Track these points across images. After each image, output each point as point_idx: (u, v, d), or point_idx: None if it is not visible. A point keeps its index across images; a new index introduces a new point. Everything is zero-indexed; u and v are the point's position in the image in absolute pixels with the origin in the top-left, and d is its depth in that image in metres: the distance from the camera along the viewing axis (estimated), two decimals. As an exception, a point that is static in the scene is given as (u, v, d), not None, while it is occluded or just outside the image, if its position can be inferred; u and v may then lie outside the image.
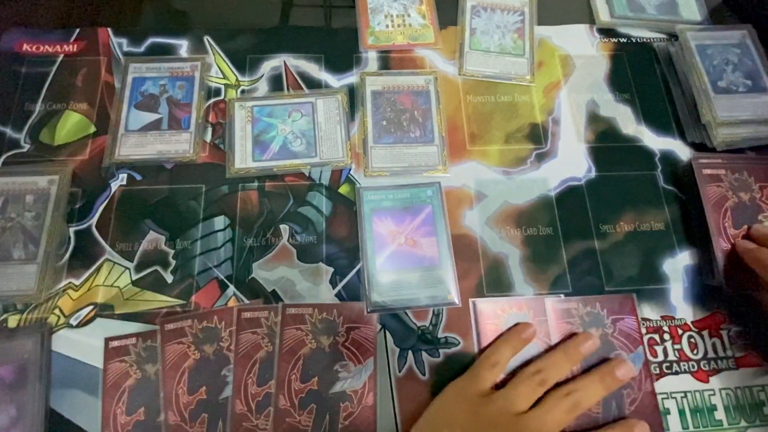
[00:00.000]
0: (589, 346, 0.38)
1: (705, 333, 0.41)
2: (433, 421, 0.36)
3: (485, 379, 0.36)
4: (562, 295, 0.41)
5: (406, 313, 0.41)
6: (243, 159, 0.45)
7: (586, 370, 0.38)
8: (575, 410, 0.34)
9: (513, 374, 0.37)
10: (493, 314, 0.40)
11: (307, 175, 0.45)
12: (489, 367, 0.37)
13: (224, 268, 0.41)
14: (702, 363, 0.40)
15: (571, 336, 0.39)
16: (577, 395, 0.35)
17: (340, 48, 0.51)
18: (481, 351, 0.39)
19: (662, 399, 0.39)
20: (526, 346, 0.38)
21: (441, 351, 0.40)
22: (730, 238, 0.42)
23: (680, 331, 0.41)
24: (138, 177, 0.44)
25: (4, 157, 0.44)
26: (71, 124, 0.46)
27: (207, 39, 0.50)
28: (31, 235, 0.40)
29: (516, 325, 0.39)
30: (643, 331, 0.41)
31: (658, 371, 0.40)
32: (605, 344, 0.39)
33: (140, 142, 0.45)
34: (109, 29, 0.50)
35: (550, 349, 0.39)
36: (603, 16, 0.54)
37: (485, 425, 0.34)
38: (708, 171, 0.44)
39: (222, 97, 0.48)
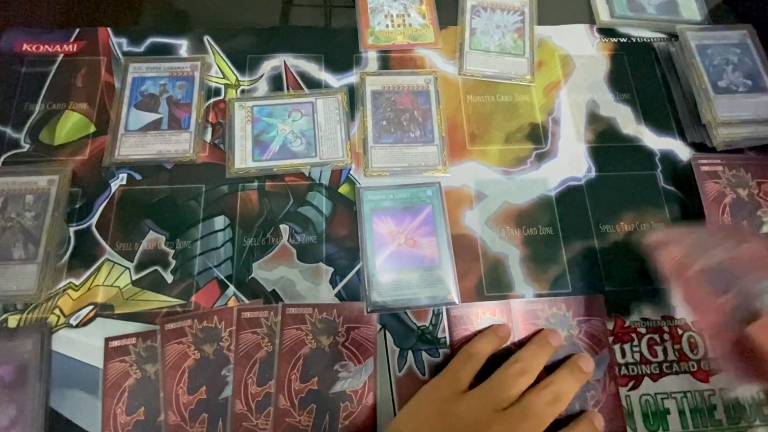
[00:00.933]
0: (556, 338, 0.38)
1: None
2: (409, 421, 0.35)
3: (462, 376, 0.36)
4: (531, 296, 0.41)
5: (406, 313, 0.41)
6: (243, 159, 0.45)
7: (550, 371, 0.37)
8: (556, 403, 0.33)
9: (497, 365, 0.37)
10: (467, 320, 0.40)
11: (307, 175, 0.45)
12: (465, 360, 0.36)
13: (224, 268, 0.41)
14: (702, 363, 0.40)
15: (536, 333, 0.39)
16: (554, 387, 0.34)
17: (340, 48, 0.51)
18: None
19: (662, 399, 0.39)
20: (502, 344, 0.38)
21: (441, 351, 0.39)
22: None
23: (680, 331, 0.41)
24: (138, 177, 0.44)
25: (4, 156, 0.44)
26: (71, 123, 0.46)
27: (207, 39, 0.50)
28: (31, 234, 0.40)
29: (491, 325, 0.39)
30: (642, 331, 0.41)
31: (658, 371, 0.40)
32: (570, 346, 0.39)
33: (140, 142, 0.45)
34: (108, 29, 0.50)
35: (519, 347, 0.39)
36: (603, 15, 0.54)
37: (465, 423, 0.33)
38: (706, 168, 0.44)
39: (222, 96, 0.48)
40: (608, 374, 0.39)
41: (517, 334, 0.39)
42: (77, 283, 0.40)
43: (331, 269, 0.42)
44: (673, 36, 0.53)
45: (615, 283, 0.42)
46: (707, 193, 0.43)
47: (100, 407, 0.36)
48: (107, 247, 0.41)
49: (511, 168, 0.46)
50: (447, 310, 0.40)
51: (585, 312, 0.40)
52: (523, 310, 0.40)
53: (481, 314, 0.40)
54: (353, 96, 0.48)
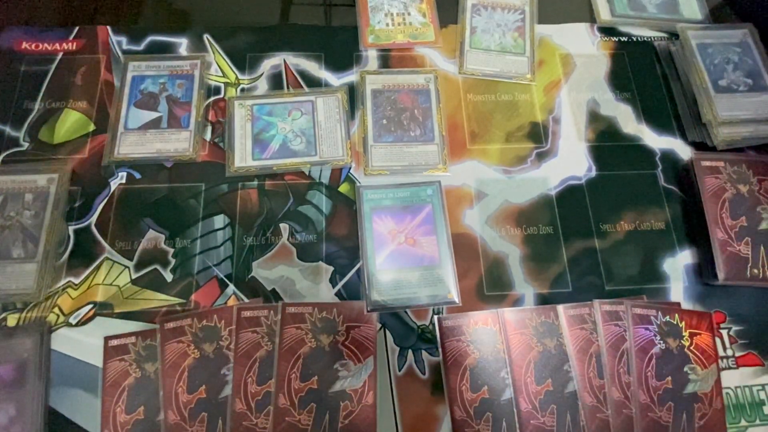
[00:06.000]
0: None
1: (705, 332, 0.41)
2: None
3: None
4: (531, 295, 0.41)
5: (406, 312, 0.41)
6: (243, 157, 0.45)
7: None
8: None
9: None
10: (459, 331, 0.40)
11: (307, 173, 0.45)
12: None
13: (224, 266, 0.41)
14: (702, 362, 0.40)
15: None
16: None
17: (340, 46, 0.51)
18: (447, 370, 0.38)
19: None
20: None
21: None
22: (727, 228, 0.42)
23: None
24: (137, 175, 0.44)
25: (3, 155, 0.44)
26: (70, 122, 0.46)
27: (207, 37, 0.50)
28: (30, 233, 0.40)
29: None
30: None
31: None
32: (559, 354, 0.39)
33: (140, 140, 0.45)
34: (108, 27, 0.50)
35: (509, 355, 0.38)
36: (604, 14, 0.54)
37: None
38: (707, 163, 0.44)
39: (222, 95, 0.48)
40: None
41: (507, 342, 0.39)
42: (76, 281, 0.40)
43: (331, 268, 0.42)
44: (673, 35, 0.53)
45: (615, 283, 0.42)
46: (707, 187, 0.43)
47: (99, 406, 0.36)
48: (107, 246, 0.41)
49: (512, 167, 0.46)
50: (438, 320, 0.40)
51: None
52: (513, 319, 0.40)
53: (473, 324, 0.40)
54: (353, 95, 0.48)
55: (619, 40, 0.53)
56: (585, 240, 0.44)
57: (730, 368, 0.40)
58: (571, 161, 0.47)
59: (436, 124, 0.47)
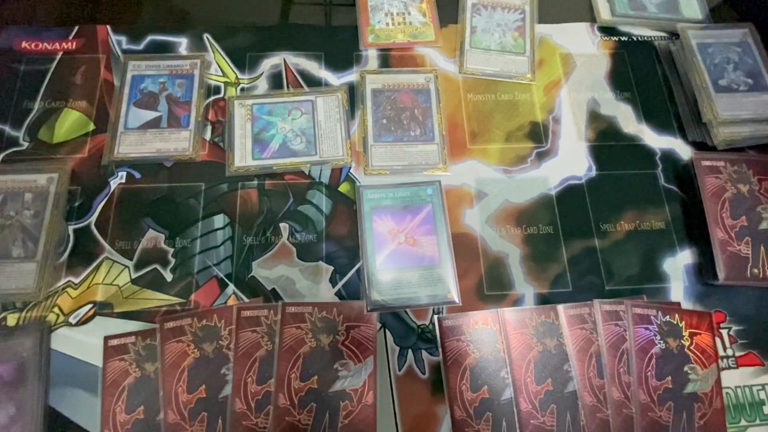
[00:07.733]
0: None
1: (705, 332, 0.41)
2: None
3: None
4: (531, 295, 0.41)
5: (406, 312, 0.41)
6: (243, 157, 0.45)
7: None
8: None
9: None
10: (459, 330, 0.40)
11: (307, 173, 0.45)
12: None
13: (224, 266, 0.41)
14: (702, 362, 0.40)
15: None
16: None
17: (340, 46, 0.51)
18: (447, 370, 0.38)
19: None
20: None
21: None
22: (727, 228, 0.42)
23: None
24: (137, 175, 0.44)
25: (3, 155, 0.44)
26: (70, 121, 0.46)
27: (206, 36, 0.50)
28: (30, 233, 0.40)
29: None
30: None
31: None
32: (559, 354, 0.39)
33: (139, 140, 0.45)
34: (108, 27, 0.50)
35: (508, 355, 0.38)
36: (604, 14, 0.54)
37: None
38: (707, 163, 0.44)
39: (222, 95, 0.48)
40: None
41: (507, 342, 0.39)
42: (76, 281, 0.40)
43: (331, 268, 0.42)
44: (674, 34, 0.53)
45: (615, 282, 0.42)
46: (707, 187, 0.43)
47: (99, 406, 0.36)
48: (106, 246, 0.41)
49: (512, 167, 0.46)
50: (438, 320, 0.40)
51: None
52: (513, 319, 0.40)
53: (473, 324, 0.40)
54: (353, 94, 0.48)
55: (620, 39, 0.53)
56: (585, 240, 0.44)
57: (730, 368, 0.40)
58: (571, 161, 0.47)
59: (436, 124, 0.47)
